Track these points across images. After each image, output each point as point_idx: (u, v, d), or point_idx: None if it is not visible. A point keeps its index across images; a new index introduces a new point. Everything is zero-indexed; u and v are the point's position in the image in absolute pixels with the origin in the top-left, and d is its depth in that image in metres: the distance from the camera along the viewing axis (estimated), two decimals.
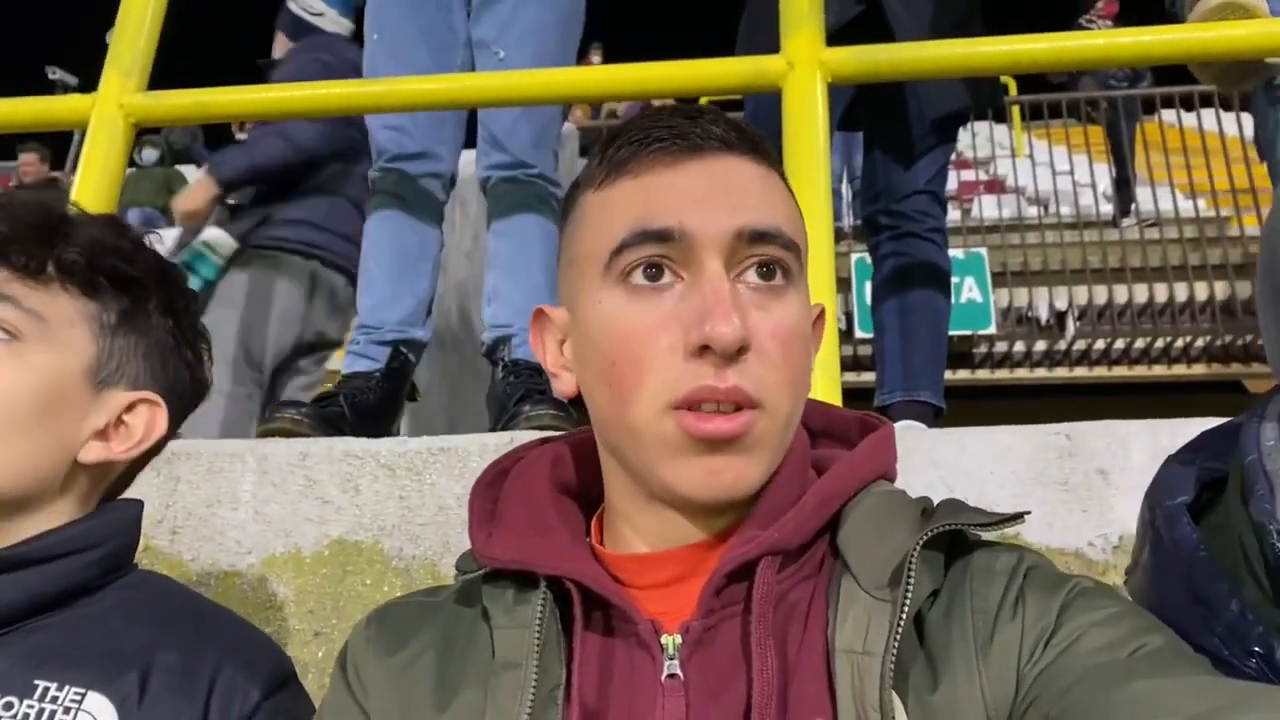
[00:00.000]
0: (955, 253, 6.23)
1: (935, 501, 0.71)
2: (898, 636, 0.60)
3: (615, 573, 0.70)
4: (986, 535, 0.69)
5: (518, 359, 1.91)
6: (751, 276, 0.67)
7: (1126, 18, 7.75)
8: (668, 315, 0.65)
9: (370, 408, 1.85)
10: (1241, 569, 0.64)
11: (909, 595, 0.61)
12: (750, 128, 0.73)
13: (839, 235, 6.68)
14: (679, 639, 0.64)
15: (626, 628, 0.66)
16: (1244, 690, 0.54)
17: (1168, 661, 0.57)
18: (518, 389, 1.80)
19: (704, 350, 0.63)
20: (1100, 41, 1.64)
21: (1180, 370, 6.44)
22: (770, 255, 0.67)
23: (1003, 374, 6.62)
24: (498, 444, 1.40)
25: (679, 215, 0.66)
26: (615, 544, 0.73)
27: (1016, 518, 0.67)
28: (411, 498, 1.40)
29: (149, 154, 8.94)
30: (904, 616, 0.60)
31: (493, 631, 0.68)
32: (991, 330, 6.33)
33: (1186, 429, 1.23)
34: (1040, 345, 6.56)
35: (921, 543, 0.63)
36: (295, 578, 1.39)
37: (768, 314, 0.66)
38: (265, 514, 1.42)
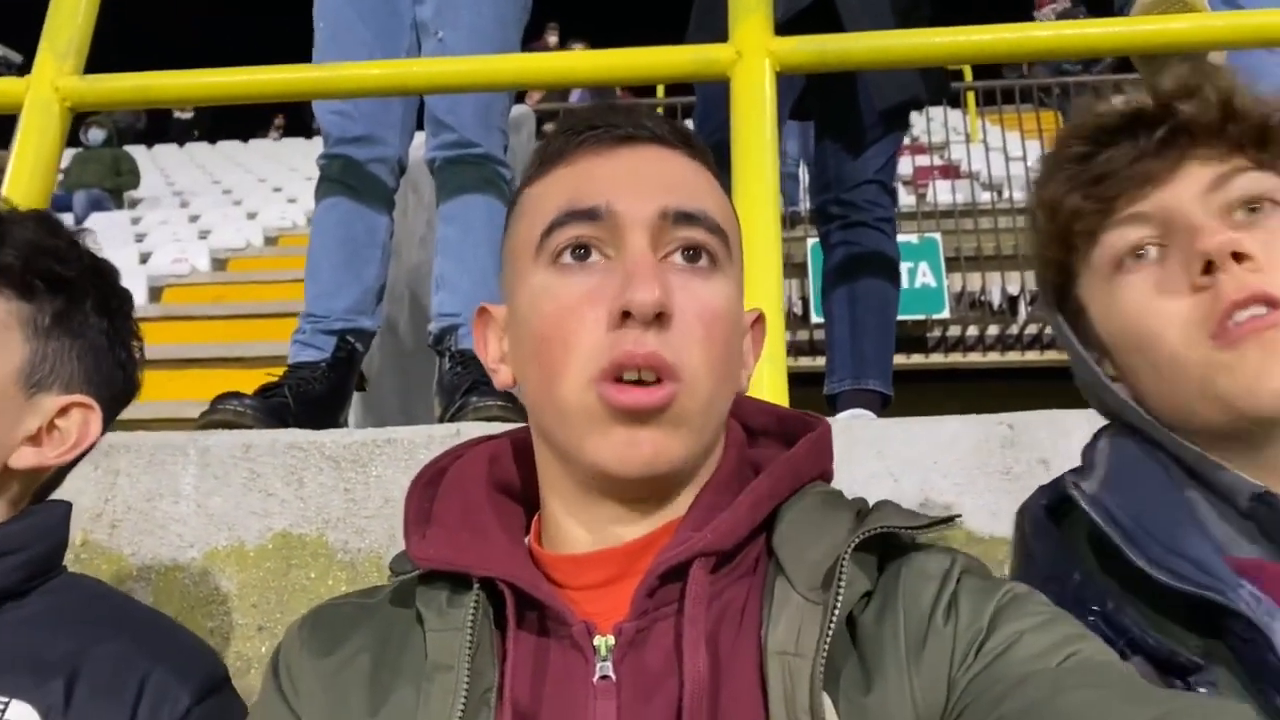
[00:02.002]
0: (909, 238, 6.29)
1: (878, 496, 0.72)
2: (828, 639, 0.60)
3: (551, 573, 0.70)
4: (920, 537, 0.69)
5: (465, 349, 1.89)
6: (678, 258, 0.68)
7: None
8: (594, 290, 0.66)
9: (316, 398, 1.82)
10: (1084, 548, 0.75)
11: (840, 597, 0.61)
12: (684, 126, 0.75)
13: (796, 219, 6.71)
14: (612, 640, 0.64)
15: (560, 629, 0.66)
16: (1177, 699, 0.56)
17: (1099, 670, 0.58)
18: (465, 379, 1.78)
19: (626, 318, 0.64)
20: (1046, 33, 1.65)
21: None
22: (696, 238, 0.68)
23: (956, 358, 6.70)
24: (444, 435, 1.39)
25: (606, 195, 0.68)
26: (552, 543, 0.72)
27: (948, 520, 0.67)
28: (357, 490, 1.38)
29: (96, 135, 8.77)
30: (835, 619, 0.61)
31: (426, 634, 0.67)
32: (945, 315, 6.40)
33: None
34: (993, 330, 6.64)
35: (854, 545, 0.64)
36: (239, 572, 1.37)
37: (692, 291, 0.67)
38: (207, 507, 1.40)
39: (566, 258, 0.68)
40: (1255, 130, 0.74)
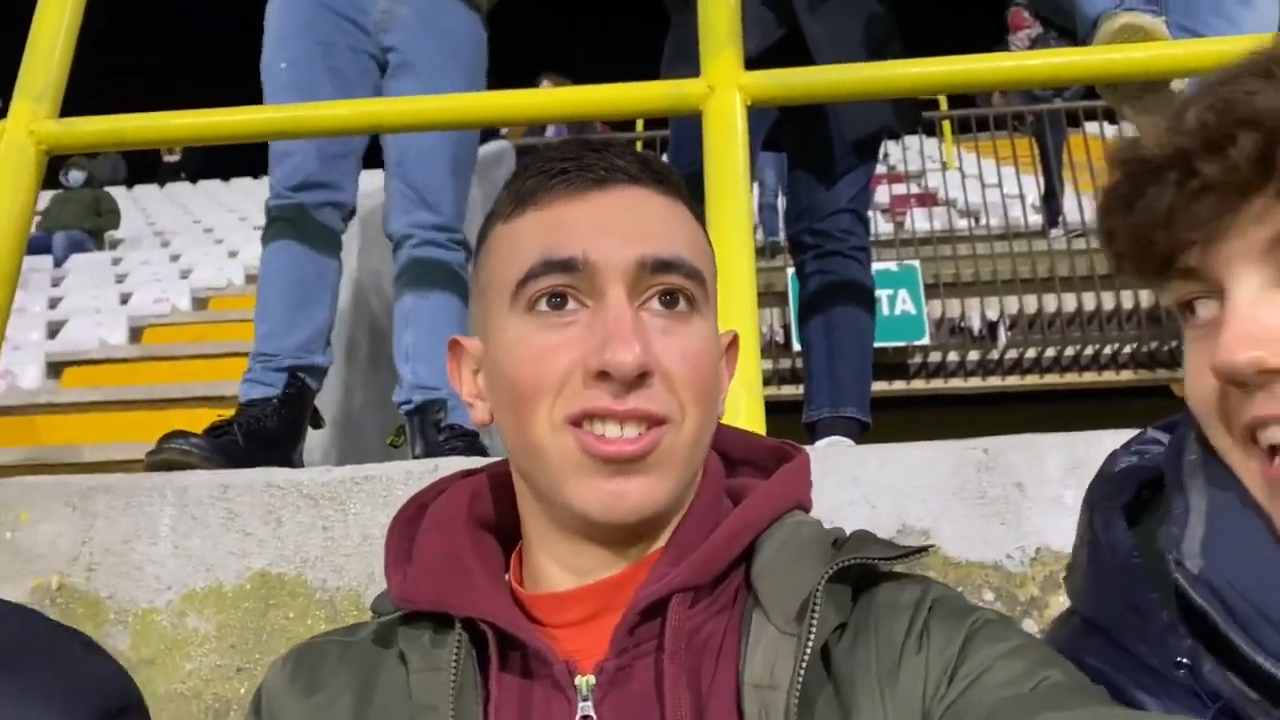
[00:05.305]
0: (889, 265, 6.33)
1: (855, 523, 0.72)
2: (802, 671, 0.60)
3: (532, 611, 0.70)
4: (895, 566, 0.69)
5: (455, 423, 1.92)
6: (655, 304, 0.68)
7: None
8: (571, 339, 0.66)
9: (268, 435, 1.82)
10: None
11: (813, 629, 0.61)
12: (657, 161, 0.74)
13: (776, 249, 6.75)
14: (593, 680, 0.64)
15: (542, 669, 0.66)
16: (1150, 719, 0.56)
17: (1069, 694, 0.58)
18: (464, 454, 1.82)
19: (603, 376, 0.64)
20: (1010, 64, 1.68)
21: (1110, 376, 6.59)
22: (673, 284, 0.68)
23: (937, 384, 6.72)
24: (422, 471, 1.39)
25: (582, 245, 0.67)
26: (532, 581, 0.72)
27: (922, 550, 0.68)
28: (335, 528, 1.38)
29: (76, 176, 8.76)
30: (809, 651, 0.61)
31: (410, 674, 0.67)
32: (925, 341, 6.43)
33: (1104, 441, 1.26)
34: (973, 355, 6.67)
35: (827, 577, 0.64)
36: (217, 613, 1.36)
37: (674, 338, 0.67)
38: (185, 548, 1.40)
39: (543, 305, 0.67)
40: None
